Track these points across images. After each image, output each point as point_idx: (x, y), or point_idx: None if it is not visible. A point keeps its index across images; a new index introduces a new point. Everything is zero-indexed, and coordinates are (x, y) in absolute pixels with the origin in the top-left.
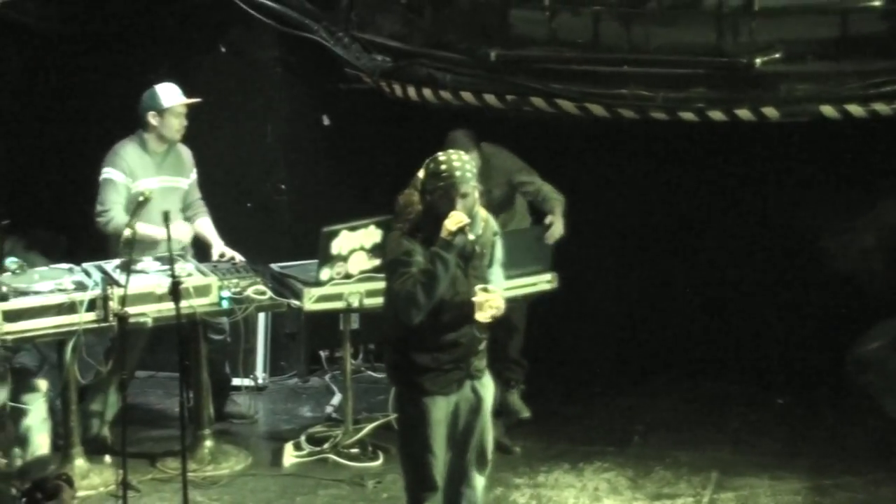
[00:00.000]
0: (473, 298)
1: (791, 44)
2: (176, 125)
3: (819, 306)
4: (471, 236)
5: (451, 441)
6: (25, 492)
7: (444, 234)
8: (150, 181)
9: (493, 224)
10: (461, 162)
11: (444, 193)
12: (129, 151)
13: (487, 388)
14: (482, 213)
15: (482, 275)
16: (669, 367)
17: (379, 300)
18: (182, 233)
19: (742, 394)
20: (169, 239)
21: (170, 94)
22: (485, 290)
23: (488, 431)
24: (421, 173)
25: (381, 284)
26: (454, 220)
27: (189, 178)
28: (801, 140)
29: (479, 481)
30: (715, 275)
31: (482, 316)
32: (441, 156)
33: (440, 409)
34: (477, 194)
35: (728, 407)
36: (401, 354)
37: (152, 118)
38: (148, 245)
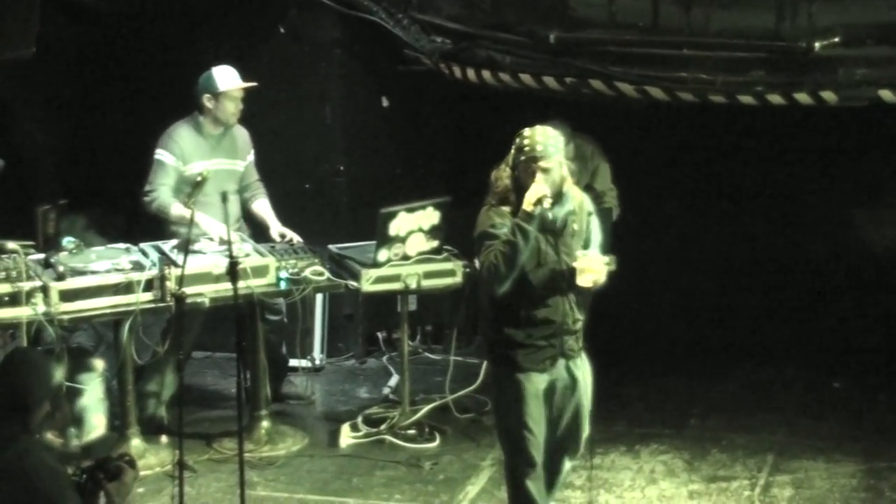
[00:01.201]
0: (574, 264)
1: (850, 28)
2: (231, 109)
3: (876, 289)
4: (550, 209)
5: (548, 420)
6: (86, 471)
7: (525, 205)
8: (204, 164)
9: (588, 204)
10: (544, 136)
11: (525, 167)
12: (182, 134)
13: (583, 369)
14: (575, 192)
15: (572, 252)
16: (726, 351)
17: (436, 281)
18: (214, 228)
19: (798, 377)
20: (227, 220)
21: (226, 78)
22: (586, 256)
23: (583, 416)
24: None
25: (439, 266)
26: (534, 192)
27: (245, 161)
28: (864, 122)
29: (566, 464)
30: (772, 258)
31: (582, 280)
32: (526, 130)
33: (534, 385)
34: (565, 171)
35: (784, 390)
36: (495, 331)
37: (208, 101)
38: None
